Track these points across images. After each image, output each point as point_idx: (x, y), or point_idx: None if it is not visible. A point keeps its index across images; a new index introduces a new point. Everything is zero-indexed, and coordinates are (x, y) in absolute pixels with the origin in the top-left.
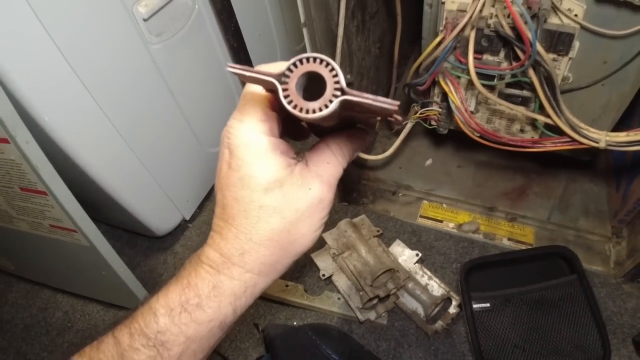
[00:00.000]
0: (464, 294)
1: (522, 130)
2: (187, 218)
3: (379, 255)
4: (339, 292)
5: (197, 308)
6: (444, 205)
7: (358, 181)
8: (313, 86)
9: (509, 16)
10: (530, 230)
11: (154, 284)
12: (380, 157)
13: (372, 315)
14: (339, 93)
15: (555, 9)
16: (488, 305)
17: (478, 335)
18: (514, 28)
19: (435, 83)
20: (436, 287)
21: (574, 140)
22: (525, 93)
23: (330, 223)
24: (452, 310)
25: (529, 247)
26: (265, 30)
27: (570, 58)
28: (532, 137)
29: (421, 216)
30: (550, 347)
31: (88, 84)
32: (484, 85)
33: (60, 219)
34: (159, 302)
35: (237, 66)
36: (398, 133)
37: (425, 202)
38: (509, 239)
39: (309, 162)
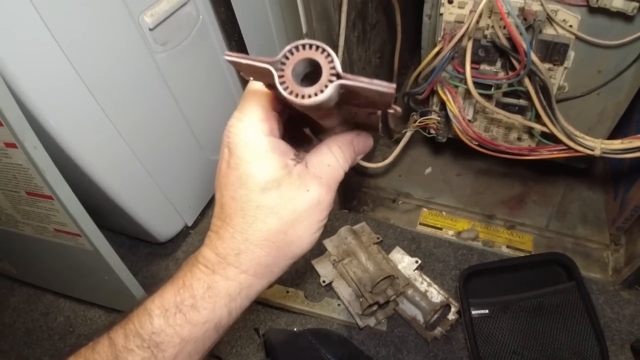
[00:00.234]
0: (463, 301)
1: (519, 139)
2: (189, 224)
3: (379, 262)
4: (339, 298)
5: (191, 309)
6: (444, 212)
7: (358, 189)
8: (311, 77)
9: (504, 27)
10: (528, 237)
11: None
12: (380, 165)
13: (371, 322)
14: (334, 78)
15: (550, 20)
16: (487, 311)
17: (477, 342)
18: (510, 39)
19: (433, 92)
20: (435, 294)
21: (569, 148)
22: (522, 102)
23: (330, 230)
24: (451, 316)
25: (528, 254)
26: (267, 40)
27: (565, 68)
28: (529, 145)
29: (421, 224)
30: (549, 354)
31: (94, 91)
32: (481, 94)
33: (65, 223)
34: (154, 302)
35: (234, 54)
36: (398, 141)
37: (424, 209)
38: (507, 247)
39: (309, 163)
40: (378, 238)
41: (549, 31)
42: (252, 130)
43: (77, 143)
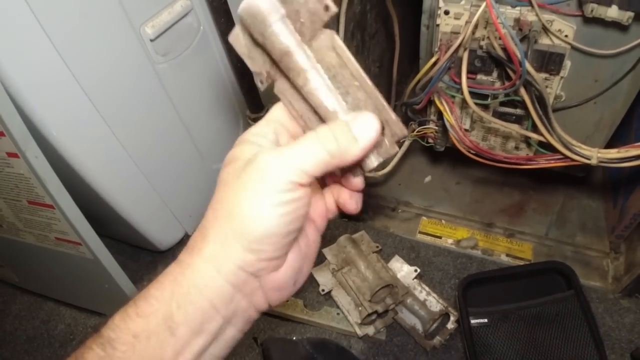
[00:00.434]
0: (462, 310)
1: (517, 148)
2: (190, 233)
3: (378, 271)
4: (338, 307)
5: (142, 299)
6: (443, 221)
7: None
8: None
9: (499, 38)
10: (528, 246)
11: None
12: (379, 173)
13: (370, 331)
14: None
15: (545, 30)
16: (486, 320)
17: (476, 351)
18: (505, 49)
19: (431, 102)
20: (434, 303)
21: (566, 157)
22: (519, 111)
23: (330, 239)
24: (450, 325)
25: (527, 262)
26: None
27: (562, 77)
28: (527, 154)
29: (420, 232)
30: None
31: (95, 101)
32: (477, 104)
33: (66, 232)
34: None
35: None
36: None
37: (424, 218)
38: (507, 255)
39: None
40: (377, 247)
41: (544, 41)
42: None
43: (79, 153)
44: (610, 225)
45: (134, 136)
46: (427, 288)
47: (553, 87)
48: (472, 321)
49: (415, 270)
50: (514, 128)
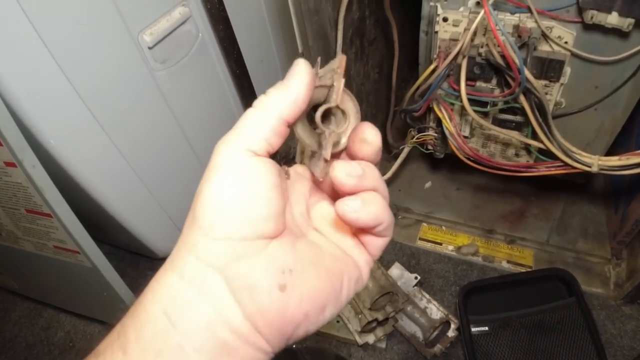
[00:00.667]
0: (463, 318)
1: (517, 155)
2: None
3: (378, 278)
4: (337, 315)
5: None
6: (443, 227)
7: None
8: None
9: (498, 45)
10: (529, 252)
11: None
12: None
13: (370, 339)
14: None
15: (545, 36)
16: (487, 328)
17: (477, 359)
18: (504, 56)
19: (430, 109)
20: (435, 311)
21: (566, 164)
22: (519, 118)
23: None
24: (451, 333)
25: (528, 269)
26: (267, 56)
27: (561, 84)
28: (527, 162)
29: (420, 239)
30: None
31: (93, 109)
32: (477, 111)
33: (64, 240)
34: None
35: None
36: (396, 156)
37: (424, 224)
38: (508, 262)
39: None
40: None
41: (544, 48)
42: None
43: (77, 161)
44: (611, 231)
45: (132, 144)
46: (427, 295)
47: (553, 94)
48: (473, 329)
49: (416, 278)
50: (514, 135)
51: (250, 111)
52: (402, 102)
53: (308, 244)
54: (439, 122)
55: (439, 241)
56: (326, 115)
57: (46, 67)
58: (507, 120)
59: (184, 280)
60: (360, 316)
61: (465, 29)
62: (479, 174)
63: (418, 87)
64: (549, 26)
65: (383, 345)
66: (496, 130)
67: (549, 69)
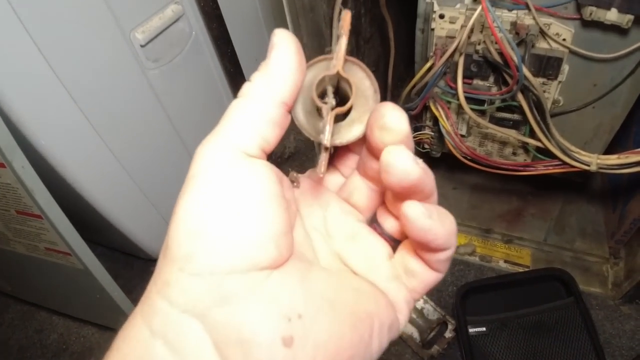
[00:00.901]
0: (460, 318)
1: (514, 153)
2: None
3: None
4: None
5: None
6: None
7: None
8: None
9: (496, 42)
10: (526, 252)
11: None
12: None
13: None
14: None
15: (543, 34)
16: (484, 329)
17: None
18: (502, 54)
19: (426, 107)
20: (432, 311)
21: (565, 163)
22: (516, 117)
23: None
24: (448, 334)
25: (526, 269)
26: (262, 54)
27: (560, 82)
28: (525, 160)
29: None
30: None
31: (84, 109)
32: (474, 109)
33: (56, 242)
34: None
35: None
36: None
37: None
38: (505, 261)
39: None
40: None
41: (542, 45)
42: None
43: (68, 161)
44: (609, 230)
45: (124, 144)
46: (424, 296)
47: (551, 92)
48: (471, 330)
49: None
50: (511, 134)
51: (234, 102)
52: (399, 101)
53: (324, 275)
54: (435, 120)
55: None
56: (336, 94)
57: (36, 66)
58: (505, 118)
59: (154, 333)
60: None
61: (462, 26)
62: (476, 173)
63: (414, 86)
64: (547, 23)
65: None
66: (493, 129)
67: (547, 66)
